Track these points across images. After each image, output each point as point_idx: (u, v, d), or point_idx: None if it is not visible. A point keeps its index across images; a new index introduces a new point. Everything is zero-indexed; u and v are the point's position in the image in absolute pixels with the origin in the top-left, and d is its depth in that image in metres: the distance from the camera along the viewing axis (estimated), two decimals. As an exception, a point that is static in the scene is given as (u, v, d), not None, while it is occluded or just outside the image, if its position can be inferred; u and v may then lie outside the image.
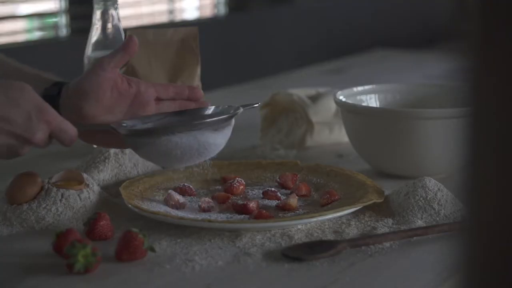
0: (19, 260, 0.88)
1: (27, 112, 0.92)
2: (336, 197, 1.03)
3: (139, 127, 1.01)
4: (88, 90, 1.00)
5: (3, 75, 1.02)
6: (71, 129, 0.95)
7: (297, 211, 1.01)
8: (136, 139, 0.99)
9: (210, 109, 1.05)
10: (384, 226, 0.96)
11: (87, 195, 1.00)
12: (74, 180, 1.02)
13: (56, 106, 0.98)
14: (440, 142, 1.12)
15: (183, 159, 0.99)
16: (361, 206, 0.98)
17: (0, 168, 1.25)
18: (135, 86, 1.03)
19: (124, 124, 1.01)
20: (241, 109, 1.02)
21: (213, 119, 0.99)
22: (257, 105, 1.08)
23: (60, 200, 0.98)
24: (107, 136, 1.01)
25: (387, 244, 0.91)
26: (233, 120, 1.02)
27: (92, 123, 1.01)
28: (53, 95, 1.01)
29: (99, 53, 1.31)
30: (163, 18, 2.33)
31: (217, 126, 0.99)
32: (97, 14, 1.31)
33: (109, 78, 1.00)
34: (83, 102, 1.00)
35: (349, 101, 1.21)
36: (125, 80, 1.03)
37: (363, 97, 1.27)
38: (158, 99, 1.05)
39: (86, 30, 1.35)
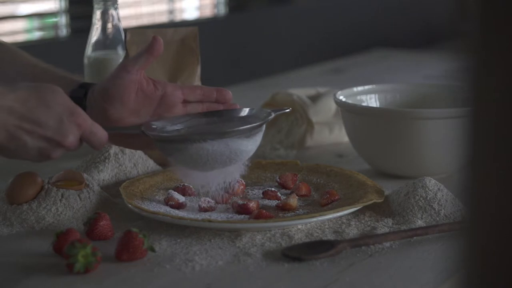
0: (19, 260, 0.88)
1: (58, 115, 0.91)
2: (336, 197, 1.03)
3: (171, 129, 1.00)
4: (113, 93, 0.99)
5: (31, 77, 1.01)
6: (101, 132, 0.95)
7: (297, 211, 1.01)
8: (166, 145, 0.98)
9: (241, 111, 1.04)
10: (384, 226, 0.96)
11: (87, 195, 1.00)
12: (74, 180, 1.02)
13: (82, 109, 0.97)
14: (440, 142, 1.12)
15: (214, 166, 0.98)
16: (361, 206, 0.98)
17: (0, 168, 1.26)
18: (161, 88, 1.02)
19: (154, 126, 1.00)
20: (273, 114, 1.01)
21: (246, 126, 0.98)
22: (288, 110, 1.07)
23: (60, 200, 0.98)
24: (136, 138, 1.01)
25: (387, 244, 0.91)
26: (264, 126, 1.00)
27: (119, 125, 1.00)
28: (79, 97, 0.99)
29: (99, 53, 1.31)
30: (163, 18, 2.33)
31: (249, 133, 0.98)
32: (97, 14, 1.31)
33: (134, 81, 0.99)
34: (108, 105, 0.99)
35: (349, 101, 1.21)
36: (151, 82, 1.01)
37: (363, 97, 1.27)
38: (185, 101, 1.03)
39: (86, 30, 1.35)
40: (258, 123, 0.98)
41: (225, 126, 0.99)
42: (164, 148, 0.99)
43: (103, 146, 0.97)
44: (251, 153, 1.00)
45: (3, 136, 0.89)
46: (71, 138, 0.92)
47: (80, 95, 1.00)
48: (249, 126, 0.98)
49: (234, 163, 0.99)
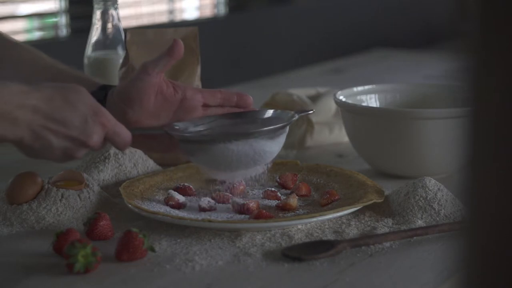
0: (19, 260, 0.88)
1: (83, 114, 0.91)
2: (336, 197, 1.03)
3: (194, 130, 1.00)
4: (132, 95, 0.99)
5: (49, 78, 1.00)
6: (125, 133, 0.95)
7: (297, 211, 1.01)
8: (191, 145, 0.98)
9: (265, 113, 1.03)
10: (384, 226, 0.96)
11: (87, 195, 1.00)
12: (74, 180, 1.02)
13: None
14: (440, 142, 1.12)
15: (238, 167, 0.98)
16: (361, 206, 0.98)
17: (0, 168, 1.26)
18: (181, 91, 1.01)
19: (177, 127, 1.00)
20: (297, 116, 1.01)
21: (270, 127, 0.98)
22: (312, 111, 1.06)
23: (60, 200, 0.98)
24: (157, 140, 1.01)
25: (387, 244, 0.91)
26: (287, 128, 1.00)
27: (142, 127, 1.00)
28: (99, 99, 0.98)
29: (99, 53, 1.31)
30: (163, 18, 2.33)
31: (273, 134, 0.98)
32: (97, 14, 1.31)
33: (153, 83, 0.99)
34: (127, 107, 0.99)
35: (349, 101, 1.21)
36: (170, 85, 1.01)
37: (363, 97, 1.27)
38: (205, 105, 1.03)
39: (86, 30, 1.35)
40: (282, 124, 0.99)
41: (249, 127, 0.99)
42: (188, 149, 0.99)
43: (127, 147, 0.96)
44: (274, 155, 1.00)
45: (28, 135, 0.89)
46: (96, 138, 0.92)
47: (100, 97, 1.00)
48: (273, 127, 0.98)
49: (258, 164, 0.99)
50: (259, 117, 1.03)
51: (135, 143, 1.00)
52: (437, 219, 0.97)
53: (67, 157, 0.93)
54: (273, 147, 0.99)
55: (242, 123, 1.02)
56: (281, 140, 1.00)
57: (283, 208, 1.01)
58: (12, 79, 0.92)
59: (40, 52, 1.10)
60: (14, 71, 1.05)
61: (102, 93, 1.01)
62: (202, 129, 1.01)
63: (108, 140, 0.94)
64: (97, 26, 1.31)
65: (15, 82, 0.89)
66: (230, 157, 0.96)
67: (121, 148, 0.96)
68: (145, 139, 1.01)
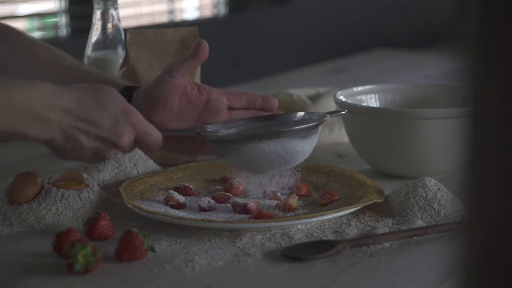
0: (19, 260, 0.88)
1: (114, 115, 0.91)
2: (336, 197, 1.03)
3: (225, 133, 1.00)
4: (156, 97, 0.98)
5: (74, 79, 1.00)
6: (156, 133, 0.94)
7: (297, 211, 1.01)
8: (222, 146, 0.98)
9: (296, 116, 1.03)
10: (384, 226, 0.96)
11: (87, 195, 1.00)
12: (74, 180, 1.02)
13: None
14: (440, 142, 1.12)
15: (269, 167, 0.97)
16: (361, 206, 0.98)
17: (0, 168, 1.26)
18: (206, 94, 1.01)
19: (208, 129, 1.00)
20: (328, 116, 1.00)
21: (302, 126, 0.97)
22: (344, 112, 1.06)
23: (60, 200, 0.98)
24: (181, 143, 1.00)
25: (387, 244, 0.91)
26: (319, 128, 1.00)
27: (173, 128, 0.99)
28: None
29: (99, 53, 1.31)
30: (163, 18, 2.33)
31: (305, 133, 0.97)
32: (97, 14, 1.31)
33: (178, 85, 0.99)
34: (151, 109, 0.99)
35: (349, 101, 1.21)
36: (195, 87, 1.01)
37: (363, 97, 1.27)
38: (230, 108, 1.03)
39: (86, 30, 1.35)
40: (314, 124, 0.98)
41: (281, 129, 0.98)
42: (219, 149, 0.98)
43: (157, 149, 0.95)
44: (306, 155, 0.99)
45: (59, 136, 0.89)
46: (126, 139, 0.92)
47: (125, 98, 0.98)
48: (305, 126, 0.97)
49: (290, 165, 0.98)
50: (290, 119, 1.02)
51: (172, 147, 1.00)
52: (437, 219, 0.97)
53: (97, 157, 0.93)
54: (305, 147, 0.98)
55: (273, 125, 1.01)
56: (313, 140, 0.99)
57: (283, 208, 1.01)
58: (37, 79, 0.92)
59: (63, 52, 1.10)
60: (38, 71, 1.05)
61: (126, 95, 1.00)
62: (234, 131, 1.00)
63: (139, 140, 0.94)
64: (97, 26, 1.31)
65: (46, 82, 0.89)
66: (261, 157, 0.96)
67: (151, 149, 0.95)
68: (169, 140, 0.99)
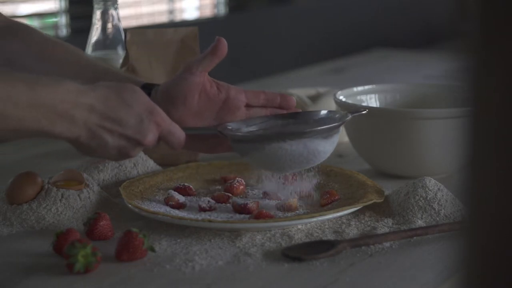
0: (19, 260, 0.88)
1: (138, 114, 0.91)
2: (336, 197, 1.03)
3: (247, 131, 1.00)
4: (175, 94, 0.98)
5: (92, 77, 1.00)
6: (179, 132, 0.94)
7: (297, 211, 1.01)
8: (244, 145, 0.97)
9: (317, 114, 1.03)
10: (384, 226, 0.96)
11: (87, 195, 1.00)
12: (74, 180, 1.02)
13: None
14: (440, 142, 1.12)
15: (291, 167, 0.97)
16: (361, 206, 0.98)
17: (0, 168, 1.26)
18: (225, 91, 1.01)
19: (230, 127, 1.00)
20: (350, 116, 1.00)
21: (325, 127, 0.97)
22: (365, 112, 1.05)
23: (60, 200, 0.98)
24: (201, 141, 1.00)
25: (387, 244, 0.91)
26: (341, 128, 1.00)
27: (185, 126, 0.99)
28: None
29: (99, 53, 1.31)
30: (163, 18, 2.33)
31: (327, 133, 0.97)
32: (97, 14, 1.31)
33: (197, 83, 0.99)
34: (170, 106, 0.99)
35: (349, 101, 1.21)
36: (214, 85, 1.01)
37: (363, 97, 1.27)
38: (248, 106, 1.03)
39: (86, 30, 1.35)
40: (336, 124, 0.98)
41: (302, 127, 0.99)
42: (241, 148, 0.98)
43: (181, 147, 0.96)
44: (328, 155, 0.99)
45: (85, 134, 0.89)
46: (151, 137, 0.92)
47: None
48: (327, 126, 0.97)
49: (311, 164, 0.98)
50: (311, 117, 1.02)
51: (194, 145, 1.00)
52: (437, 219, 0.97)
53: (122, 155, 0.93)
54: (327, 147, 0.97)
55: (294, 123, 1.01)
56: (334, 140, 0.98)
57: (283, 208, 1.01)
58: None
59: (78, 49, 1.10)
60: (53, 69, 1.05)
61: (145, 92, 0.99)
62: (255, 129, 1.01)
63: (163, 139, 0.94)
64: (97, 26, 1.31)
65: (70, 80, 0.89)
66: (284, 157, 0.95)
67: (175, 147, 0.95)
68: (191, 138, 0.99)
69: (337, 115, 1.01)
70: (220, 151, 1.03)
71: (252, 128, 1.01)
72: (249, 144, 0.97)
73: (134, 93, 0.92)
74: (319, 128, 0.97)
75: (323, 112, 1.03)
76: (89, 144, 0.90)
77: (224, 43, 0.99)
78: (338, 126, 0.98)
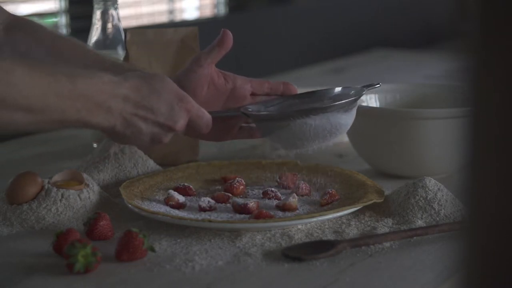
0: (19, 260, 0.88)
1: (169, 101, 0.95)
2: (336, 197, 1.03)
3: (268, 111, 1.04)
4: (186, 85, 1.02)
5: (103, 69, 1.03)
6: (207, 116, 0.99)
7: (297, 211, 1.01)
8: (270, 123, 1.01)
9: (330, 91, 1.07)
10: (384, 226, 0.96)
11: (87, 195, 1.00)
12: (74, 180, 1.02)
13: None
14: (440, 142, 1.12)
15: (315, 140, 1.01)
16: (361, 206, 0.98)
17: (0, 168, 1.26)
18: (232, 81, 1.06)
19: (250, 109, 1.04)
20: (365, 90, 1.05)
21: (345, 101, 1.01)
22: (378, 85, 1.09)
23: (60, 200, 0.98)
24: (217, 128, 1.03)
25: (387, 244, 0.91)
26: (358, 101, 1.04)
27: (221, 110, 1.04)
28: None
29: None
30: (163, 18, 2.33)
31: (347, 107, 1.01)
32: (97, 14, 1.31)
33: (206, 74, 1.03)
34: None
35: (349, 101, 1.21)
36: (221, 75, 1.06)
37: (363, 97, 1.27)
38: (253, 94, 1.07)
39: (86, 30, 1.35)
40: (355, 98, 1.02)
41: (321, 103, 1.03)
42: (266, 127, 1.02)
43: (209, 129, 1.00)
44: (348, 127, 1.03)
45: (120, 123, 0.93)
46: (181, 123, 0.97)
47: None
48: (348, 100, 1.01)
49: (334, 138, 1.02)
50: (326, 95, 1.07)
51: (211, 135, 1.04)
52: (437, 219, 0.97)
53: (155, 142, 0.97)
54: (348, 119, 1.02)
55: (310, 102, 1.06)
56: (353, 112, 1.03)
57: (283, 208, 1.01)
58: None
59: (84, 43, 1.13)
60: (66, 63, 1.07)
61: None
62: (274, 109, 1.05)
63: (192, 123, 0.98)
64: (97, 26, 1.31)
65: (103, 72, 0.94)
66: (308, 132, 1.00)
67: (203, 130, 0.99)
68: (215, 121, 1.02)
69: (352, 91, 1.05)
70: (227, 138, 1.08)
71: (272, 109, 1.05)
72: (274, 122, 1.01)
73: (163, 82, 0.96)
74: (340, 102, 1.01)
75: (337, 89, 1.07)
76: (124, 133, 0.94)
77: (229, 35, 1.04)
78: (357, 100, 1.02)
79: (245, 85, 1.06)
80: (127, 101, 0.92)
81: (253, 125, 1.06)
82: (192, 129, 0.99)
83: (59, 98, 0.88)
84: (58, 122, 0.90)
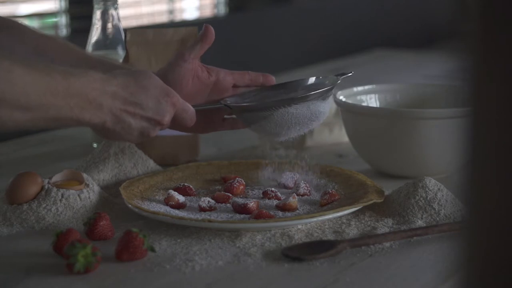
0: (19, 260, 0.88)
1: (156, 96, 0.99)
2: (336, 197, 1.03)
3: (253, 102, 1.07)
4: (171, 80, 1.05)
5: (90, 67, 1.04)
6: (191, 109, 1.03)
7: (297, 211, 1.01)
8: (252, 114, 1.05)
9: (304, 81, 1.11)
10: (384, 226, 0.96)
11: (87, 195, 1.00)
12: (74, 180, 1.02)
13: None
14: (440, 142, 1.12)
15: (296, 127, 1.05)
16: (361, 206, 0.98)
17: (0, 168, 1.26)
18: (215, 74, 1.09)
19: (229, 101, 1.08)
20: (339, 78, 1.08)
21: (324, 89, 1.05)
22: (351, 73, 1.12)
23: (60, 200, 0.98)
24: (201, 121, 1.07)
25: (387, 244, 0.91)
26: (333, 90, 1.08)
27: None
28: None
29: (99, 53, 1.31)
30: (163, 18, 2.33)
31: (325, 95, 1.06)
32: (97, 14, 1.31)
33: (190, 68, 1.07)
34: None
35: (349, 101, 1.21)
36: (205, 69, 1.09)
37: (363, 97, 1.27)
38: (235, 86, 1.11)
39: (86, 30, 1.35)
40: (331, 86, 1.07)
41: (296, 93, 1.08)
42: (249, 118, 1.06)
43: (193, 122, 1.03)
44: (326, 115, 1.07)
45: (110, 119, 0.96)
46: (168, 117, 1.00)
47: None
48: (326, 88, 1.06)
49: (314, 125, 1.07)
50: (299, 85, 1.11)
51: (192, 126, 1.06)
52: (437, 219, 0.97)
53: (143, 136, 1.00)
54: (326, 107, 1.06)
55: (285, 92, 1.10)
56: (330, 101, 1.08)
57: (283, 208, 1.01)
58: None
59: (70, 42, 1.15)
60: (52, 62, 1.08)
61: None
62: (253, 100, 1.08)
63: (178, 117, 1.02)
64: (97, 26, 1.31)
65: (92, 70, 0.96)
66: (290, 121, 1.04)
67: (188, 123, 1.03)
68: (198, 114, 1.06)
69: (326, 81, 1.09)
70: (211, 130, 1.12)
71: (249, 100, 1.09)
72: (257, 113, 1.05)
73: (149, 78, 0.99)
74: (320, 90, 1.05)
75: (311, 79, 1.11)
76: (114, 128, 0.97)
77: (211, 30, 1.07)
78: (333, 88, 1.07)
79: (227, 77, 1.10)
80: (116, 98, 0.95)
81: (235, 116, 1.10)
82: (177, 122, 1.02)
83: (55, 96, 0.90)
84: (53, 120, 0.92)
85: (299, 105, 1.04)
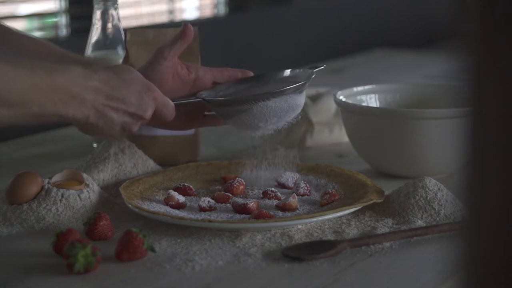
0: (19, 260, 0.88)
1: (138, 91, 1.00)
2: (336, 197, 1.03)
3: (221, 96, 1.09)
4: (152, 77, 1.06)
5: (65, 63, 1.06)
6: (171, 104, 1.04)
7: (297, 211, 1.01)
8: (230, 108, 1.07)
9: (276, 74, 1.13)
10: (384, 226, 0.96)
11: (87, 195, 1.00)
12: (74, 180, 1.02)
13: None
14: (440, 142, 1.12)
15: (273, 121, 1.07)
16: (361, 206, 0.98)
17: (0, 168, 1.26)
18: (194, 72, 1.11)
19: (203, 95, 1.09)
20: (314, 72, 1.10)
21: (301, 83, 1.07)
22: (323, 67, 1.14)
23: (60, 200, 0.98)
24: (176, 118, 1.07)
25: (387, 244, 0.91)
26: (308, 83, 1.10)
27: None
28: None
29: (99, 53, 1.31)
30: (163, 18, 2.33)
31: (301, 88, 1.08)
32: (97, 14, 1.31)
33: (170, 66, 1.08)
34: None
35: (349, 101, 1.21)
36: (184, 67, 1.10)
37: (363, 97, 1.27)
38: (214, 82, 1.13)
39: (86, 30, 1.35)
40: (307, 80, 1.08)
41: (268, 86, 1.10)
42: (227, 112, 1.07)
43: (173, 117, 1.04)
44: (302, 107, 1.09)
45: (93, 114, 0.97)
46: (150, 112, 1.01)
47: None
48: (303, 82, 1.07)
49: (291, 117, 1.08)
50: (272, 78, 1.13)
51: (172, 123, 1.08)
52: (437, 219, 0.97)
53: (125, 131, 1.01)
54: (301, 100, 1.09)
55: (258, 85, 1.11)
56: (305, 93, 1.10)
57: (283, 208, 1.01)
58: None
59: (48, 42, 1.16)
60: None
61: None
62: (227, 93, 1.10)
63: (158, 112, 1.03)
64: (97, 26, 1.31)
65: (74, 65, 0.97)
66: (268, 114, 1.06)
67: (168, 118, 1.04)
68: (177, 109, 1.07)
69: (303, 73, 1.11)
70: (192, 127, 1.15)
71: (223, 93, 1.10)
72: (235, 107, 1.06)
73: (131, 73, 1.00)
74: (297, 84, 1.07)
75: (286, 71, 1.13)
76: (97, 123, 0.98)
77: (190, 28, 1.09)
78: (308, 81, 1.09)
79: (206, 74, 1.11)
80: (99, 93, 0.96)
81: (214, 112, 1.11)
82: (157, 117, 1.03)
83: (39, 92, 0.91)
84: (36, 116, 0.92)
85: (278, 99, 1.05)
